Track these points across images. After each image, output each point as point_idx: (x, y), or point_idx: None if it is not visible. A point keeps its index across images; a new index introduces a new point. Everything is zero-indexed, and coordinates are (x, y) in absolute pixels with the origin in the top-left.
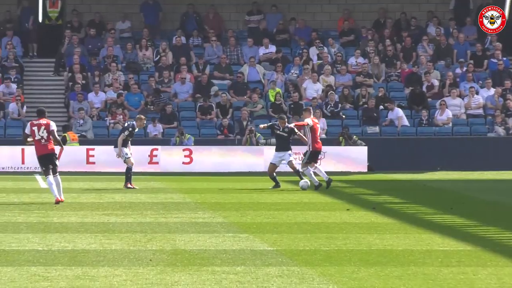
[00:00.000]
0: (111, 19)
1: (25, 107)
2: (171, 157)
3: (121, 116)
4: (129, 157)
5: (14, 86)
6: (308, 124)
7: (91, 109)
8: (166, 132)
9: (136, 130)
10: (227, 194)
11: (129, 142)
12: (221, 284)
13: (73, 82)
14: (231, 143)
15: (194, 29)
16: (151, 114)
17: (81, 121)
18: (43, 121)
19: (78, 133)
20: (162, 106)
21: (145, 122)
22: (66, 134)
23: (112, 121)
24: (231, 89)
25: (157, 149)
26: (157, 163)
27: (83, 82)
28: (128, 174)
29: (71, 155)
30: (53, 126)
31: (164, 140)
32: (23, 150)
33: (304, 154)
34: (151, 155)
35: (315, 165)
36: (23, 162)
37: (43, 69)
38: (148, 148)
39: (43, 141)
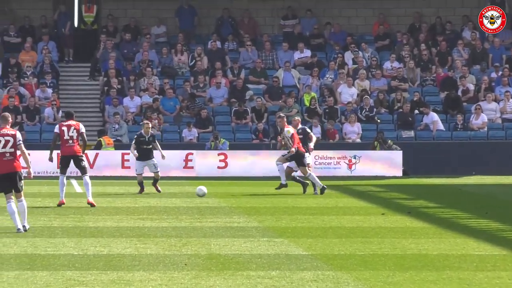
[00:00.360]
0: (146, 23)
1: (60, 111)
2: (206, 162)
3: (156, 121)
4: (139, 173)
5: (49, 90)
6: (295, 135)
7: (126, 113)
8: (201, 137)
9: (148, 137)
10: (262, 198)
11: (149, 150)
12: None
13: (109, 87)
14: (266, 148)
15: (229, 34)
16: (186, 119)
17: (116, 126)
18: (72, 122)
19: (113, 138)
20: (197, 111)
21: (148, 126)
22: (101, 139)
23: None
24: (266, 93)
25: (192, 154)
26: (192, 167)
27: (119, 86)
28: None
29: (106, 160)
30: (83, 128)
31: (199, 145)
32: (58, 154)
33: (289, 154)
34: (186, 160)
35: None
36: (58, 167)
37: (78, 74)
38: (183, 153)
39: (70, 141)
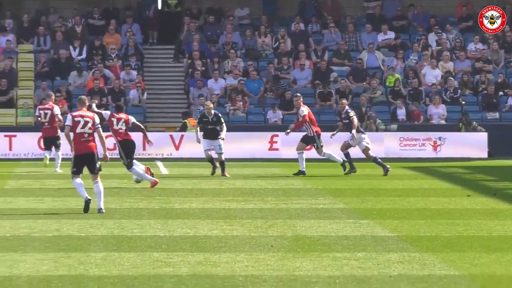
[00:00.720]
0: (230, 6)
1: (145, 93)
2: (291, 143)
3: (241, 103)
4: (206, 149)
5: (134, 73)
6: (306, 116)
7: (211, 95)
8: (286, 118)
9: (211, 117)
10: (348, 180)
11: (214, 130)
12: (342, 270)
13: (193, 69)
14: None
15: (313, 16)
16: (270, 100)
17: (201, 108)
18: (123, 115)
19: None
20: (282, 92)
21: (209, 107)
22: (186, 121)
23: (232, 107)
24: (350, 75)
25: (277, 135)
26: (277, 149)
27: (203, 68)
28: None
29: (192, 142)
30: (133, 118)
31: (284, 126)
32: (144, 137)
33: (314, 141)
34: (271, 142)
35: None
36: (144, 149)
37: (162, 56)
38: (268, 135)
39: (120, 131)
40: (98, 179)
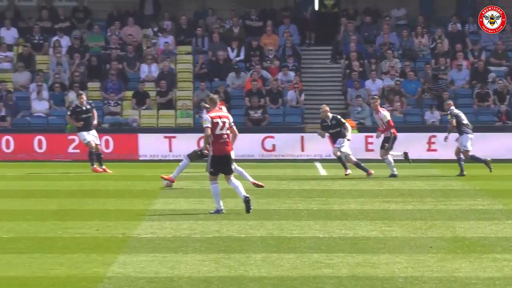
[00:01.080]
0: (386, 6)
1: (303, 94)
2: (450, 145)
3: (398, 103)
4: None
5: (292, 74)
6: (391, 121)
7: (368, 96)
8: (444, 119)
9: (330, 120)
10: (507, 180)
11: (336, 134)
12: (502, 272)
13: (350, 70)
14: (509, 130)
15: (470, 16)
16: (427, 101)
17: (359, 109)
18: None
19: (356, 121)
20: (440, 92)
21: (325, 109)
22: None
23: (390, 108)
24: (508, 75)
25: (435, 136)
26: (435, 150)
27: (360, 69)
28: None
29: (350, 143)
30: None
31: (441, 127)
32: (302, 137)
33: (387, 142)
34: (429, 142)
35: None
36: (303, 150)
37: (320, 57)
38: (426, 135)
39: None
40: (232, 177)
